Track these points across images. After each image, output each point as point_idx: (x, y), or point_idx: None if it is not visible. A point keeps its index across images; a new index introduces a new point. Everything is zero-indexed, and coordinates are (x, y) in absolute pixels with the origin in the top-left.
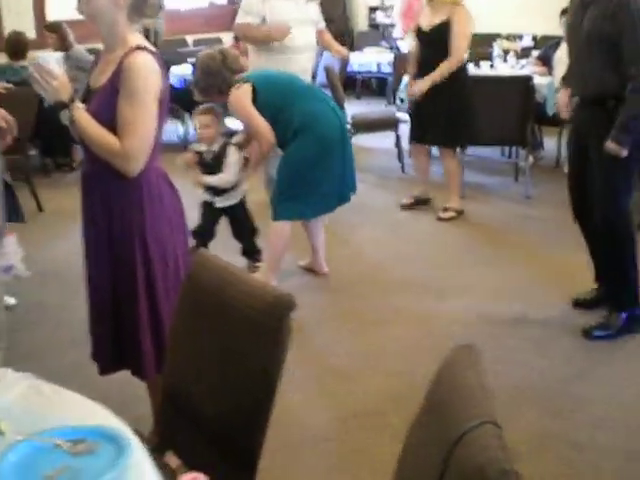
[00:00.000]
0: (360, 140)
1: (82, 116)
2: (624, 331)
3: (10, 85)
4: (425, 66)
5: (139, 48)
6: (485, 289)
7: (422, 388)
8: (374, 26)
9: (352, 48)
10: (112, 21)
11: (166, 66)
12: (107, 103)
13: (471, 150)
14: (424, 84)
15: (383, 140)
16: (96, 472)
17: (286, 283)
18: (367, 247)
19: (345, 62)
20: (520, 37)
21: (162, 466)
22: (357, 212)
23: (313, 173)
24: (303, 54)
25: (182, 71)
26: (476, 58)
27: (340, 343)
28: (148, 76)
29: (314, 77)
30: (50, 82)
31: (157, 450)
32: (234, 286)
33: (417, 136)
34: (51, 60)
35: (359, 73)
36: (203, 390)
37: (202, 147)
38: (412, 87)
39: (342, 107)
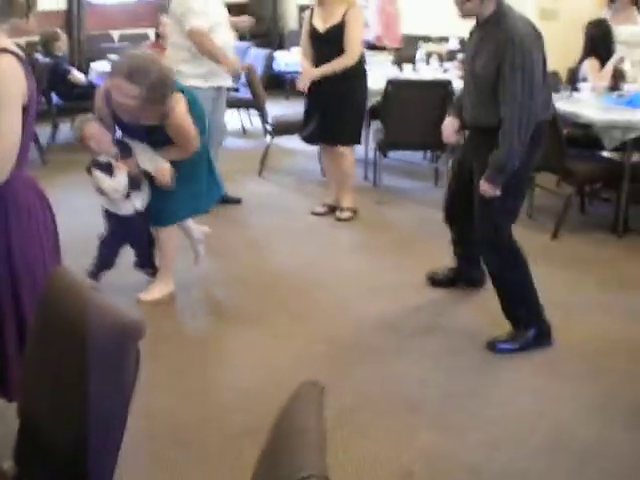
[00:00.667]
0: (282, 142)
1: None
2: (531, 346)
3: None
4: (320, 65)
5: (2, 50)
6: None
7: None
8: None
9: (280, 47)
10: None
11: (31, 68)
12: None
13: (396, 154)
14: (313, 73)
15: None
16: None
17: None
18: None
19: (269, 61)
20: (447, 40)
21: None
22: (272, 215)
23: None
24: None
25: (103, 68)
26: (399, 61)
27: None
28: (10, 81)
29: (238, 77)
30: None
31: None
32: (86, 309)
33: (307, 135)
34: None
35: (288, 73)
36: (51, 418)
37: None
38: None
39: (261, 108)
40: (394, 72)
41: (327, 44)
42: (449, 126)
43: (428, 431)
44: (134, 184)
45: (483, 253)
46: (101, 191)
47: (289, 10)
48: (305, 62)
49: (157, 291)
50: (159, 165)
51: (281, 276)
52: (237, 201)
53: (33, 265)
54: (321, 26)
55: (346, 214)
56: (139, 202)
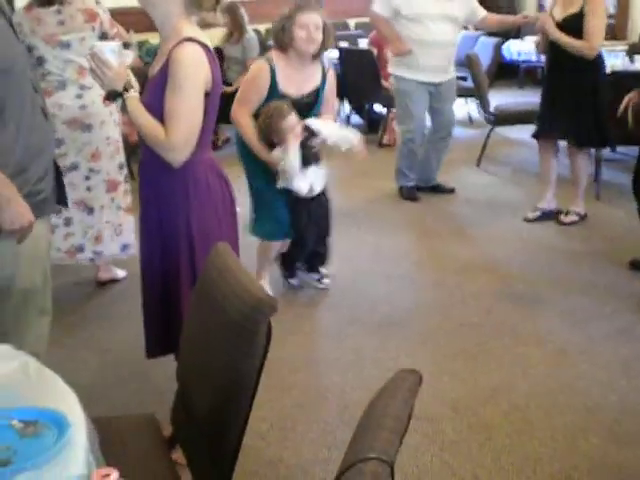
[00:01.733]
0: (506, 132)
1: (134, 105)
2: None
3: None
4: (557, 57)
5: (189, 39)
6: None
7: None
8: None
9: (516, 36)
10: (165, 12)
11: (217, 58)
12: (157, 94)
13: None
14: (554, 31)
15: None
16: (28, 454)
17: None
18: (487, 245)
19: (497, 50)
20: None
21: (166, 461)
22: (486, 207)
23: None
24: (439, 50)
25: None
26: (633, 52)
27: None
28: (193, 67)
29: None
30: (105, 72)
31: (169, 444)
32: (228, 284)
33: (544, 129)
34: (106, 49)
35: (522, 62)
36: (194, 384)
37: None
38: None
39: (482, 97)
40: (624, 64)
41: (565, 33)
42: None
43: (598, 437)
44: (311, 159)
45: None
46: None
47: None
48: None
49: None
50: (350, 136)
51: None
52: (450, 191)
53: (210, 239)
54: (559, 14)
55: (571, 217)
56: (318, 182)
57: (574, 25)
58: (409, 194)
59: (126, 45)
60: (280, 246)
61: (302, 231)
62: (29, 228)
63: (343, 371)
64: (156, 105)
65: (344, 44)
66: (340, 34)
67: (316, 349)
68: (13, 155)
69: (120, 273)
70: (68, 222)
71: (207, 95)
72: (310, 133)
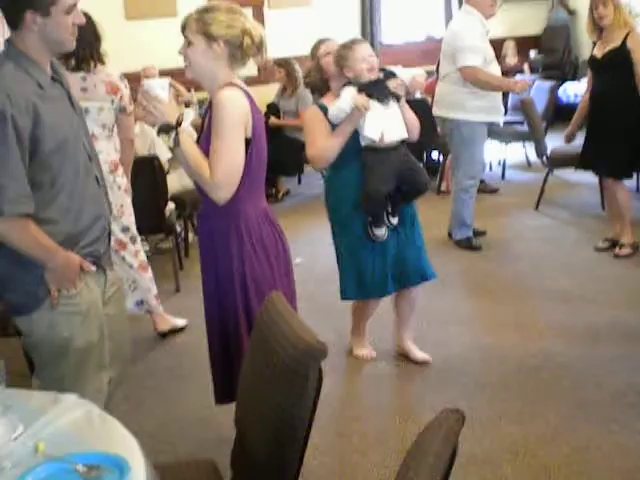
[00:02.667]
0: (564, 175)
1: (187, 140)
2: None
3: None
4: (600, 95)
5: (230, 84)
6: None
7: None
8: None
9: (574, 78)
10: (213, 74)
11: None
12: (205, 140)
13: None
14: None
15: (586, 174)
16: None
17: None
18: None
19: (552, 93)
20: None
21: None
22: (543, 247)
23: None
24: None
25: None
26: None
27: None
28: (231, 108)
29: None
30: (157, 107)
31: None
32: (281, 331)
33: (584, 164)
34: (156, 86)
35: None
36: (251, 429)
37: None
38: None
39: (538, 140)
40: None
41: (606, 70)
42: None
43: None
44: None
45: None
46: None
47: (583, 39)
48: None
49: None
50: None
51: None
52: (482, 233)
53: (264, 287)
54: (599, 52)
55: (625, 250)
56: (393, 129)
57: (616, 60)
58: (471, 243)
59: (187, 104)
60: (376, 305)
61: (378, 184)
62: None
63: (402, 417)
64: (208, 149)
65: None
66: None
67: (376, 395)
68: (62, 225)
69: (180, 322)
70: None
71: (249, 141)
72: (385, 74)
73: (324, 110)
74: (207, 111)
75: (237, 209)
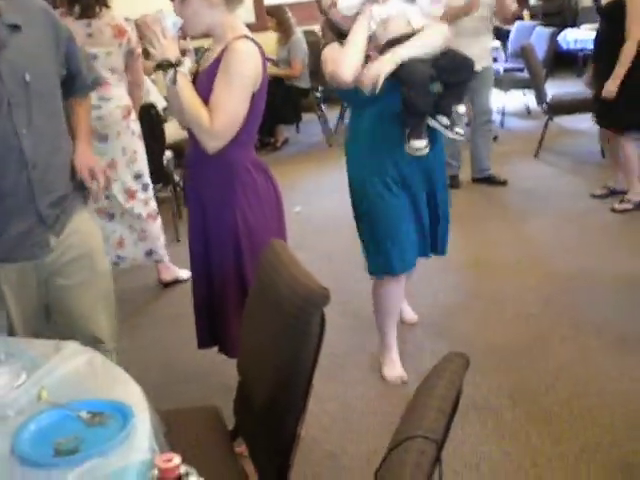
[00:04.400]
0: (564, 122)
1: (184, 81)
2: None
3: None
4: (605, 45)
5: (246, 37)
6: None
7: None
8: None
9: (574, 24)
10: (211, 22)
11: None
12: (208, 84)
13: None
14: (612, 85)
15: (586, 122)
16: (95, 442)
17: None
18: (537, 235)
19: (553, 40)
20: None
21: (229, 452)
22: (540, 198)
23: None
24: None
25: None
26: None
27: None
28: (247, 62)
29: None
30: (161, 40)
31: (232, 436)
32: (282, 278)
33: (596, 119)
34: (168, 19)
35: (581, 50)
36: (253, 376)
37: None
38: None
39: (538, 87)
40: None
41: (607, 21)
42: None
43: None
44: None
45: None
46: None
47: None
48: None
49: None
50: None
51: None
52: (502, 183)
53: (256, 237)
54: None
55: (625, 205)
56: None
57: (614, 12)
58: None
59: (184, 52)
60: (401, 289)
61: (415, 84)
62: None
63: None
64: (204, 95)
65: None
66: None
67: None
68: None
69: (184, 274)
70: None
71: (254, 95)
72: None
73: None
74: (217, 56)
75: (229, 159)
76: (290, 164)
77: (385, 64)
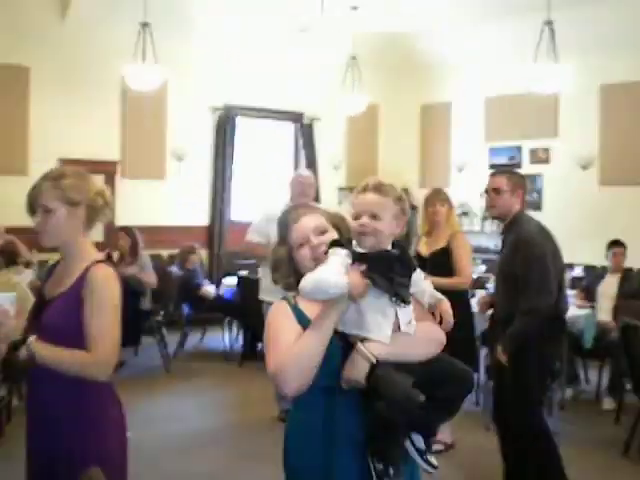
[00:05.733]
0: None
1: (41, 346)
2: None
3: None
4: None
5: (101, 261)
6: None
7: None
8: None
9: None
10: (72, 240)
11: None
12: (68, 310)
13: None
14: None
15: None
16: None
17: None
18: None
19: None
20: (571, 267)
21: None
22: None
23: None
24: None
25: (232, 282)
26: None
27: None
28: (113, 286)
29: None
30: (6, 322)
31: None
32: None
33: None
34: (5, 300)
35: None
36: None
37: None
38: None
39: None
40: None
41: (431, 268)
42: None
43: None
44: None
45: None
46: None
47: None
48: None
49: None
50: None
51: None
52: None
53: (112, 463)
54: (425, 250)
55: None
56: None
57: (440, 260)
58: None
59: (27, 264)
60: None
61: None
62: None
63: None
64: (63, 324)
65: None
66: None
67: None
68: None
69: None
70: None
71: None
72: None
73: (292, 305)
74: (50, 275)
75: (91, 385)
76: (124, 388)
77: (361, 369)
